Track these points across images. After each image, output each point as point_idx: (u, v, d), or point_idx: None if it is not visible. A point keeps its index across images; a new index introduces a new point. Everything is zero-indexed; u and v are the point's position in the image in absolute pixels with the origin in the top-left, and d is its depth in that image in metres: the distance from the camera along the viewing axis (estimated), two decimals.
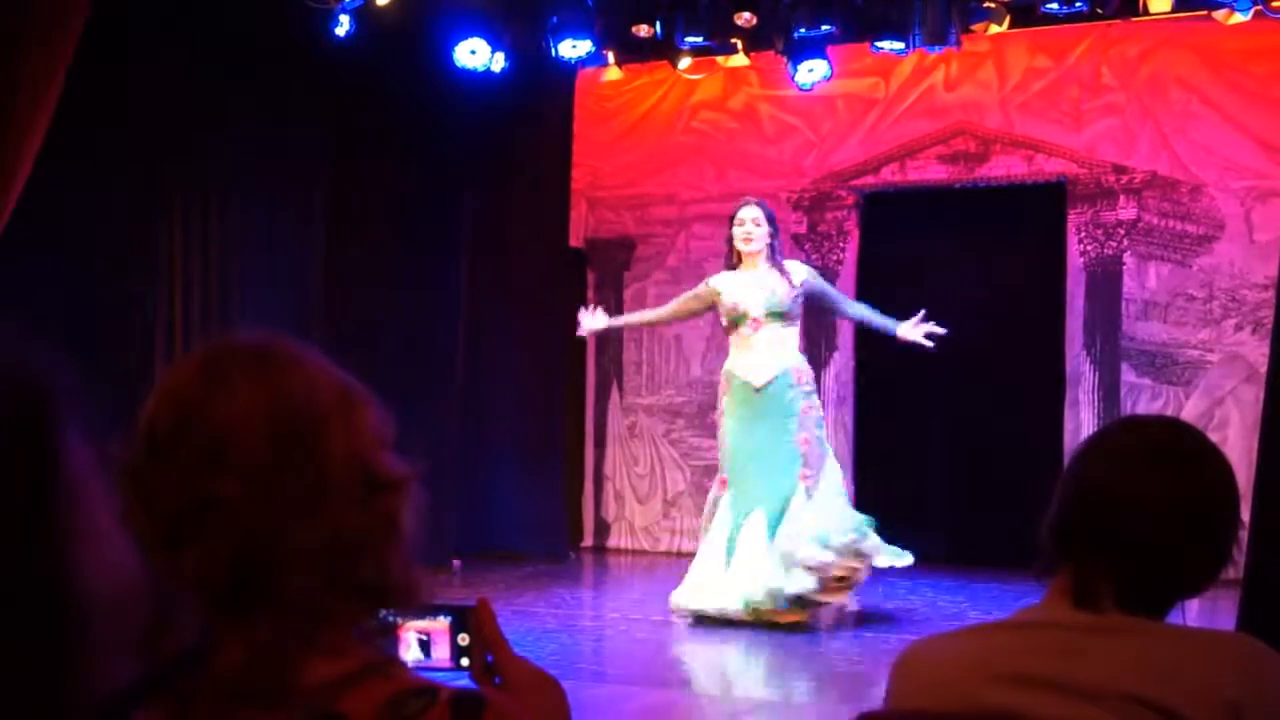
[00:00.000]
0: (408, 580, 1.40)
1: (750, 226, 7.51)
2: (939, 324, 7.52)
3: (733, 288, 7.54)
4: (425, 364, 9.08)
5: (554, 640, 6.91)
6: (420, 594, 1.44)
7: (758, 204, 7.66)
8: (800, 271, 7.61)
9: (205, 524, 1.31)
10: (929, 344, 7.51)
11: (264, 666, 1.31)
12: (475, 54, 8.71)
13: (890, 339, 7.65)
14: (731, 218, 7.65)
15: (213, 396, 1.34)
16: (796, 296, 7.51)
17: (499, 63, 8.87)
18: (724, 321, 7.63)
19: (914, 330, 7.53)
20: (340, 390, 1.40)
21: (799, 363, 7.55)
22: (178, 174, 8.11)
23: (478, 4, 8.66)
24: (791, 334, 7.57)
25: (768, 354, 7.48)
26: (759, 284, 7.49)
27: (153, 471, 1.33)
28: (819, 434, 7.50)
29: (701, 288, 7.75)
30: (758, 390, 7.46)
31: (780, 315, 7.47)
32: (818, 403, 7.61)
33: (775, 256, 7.56)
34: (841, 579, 7.16)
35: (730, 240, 7.61)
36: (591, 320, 8.01)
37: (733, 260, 7.62)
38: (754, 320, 7.47)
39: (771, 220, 7.61)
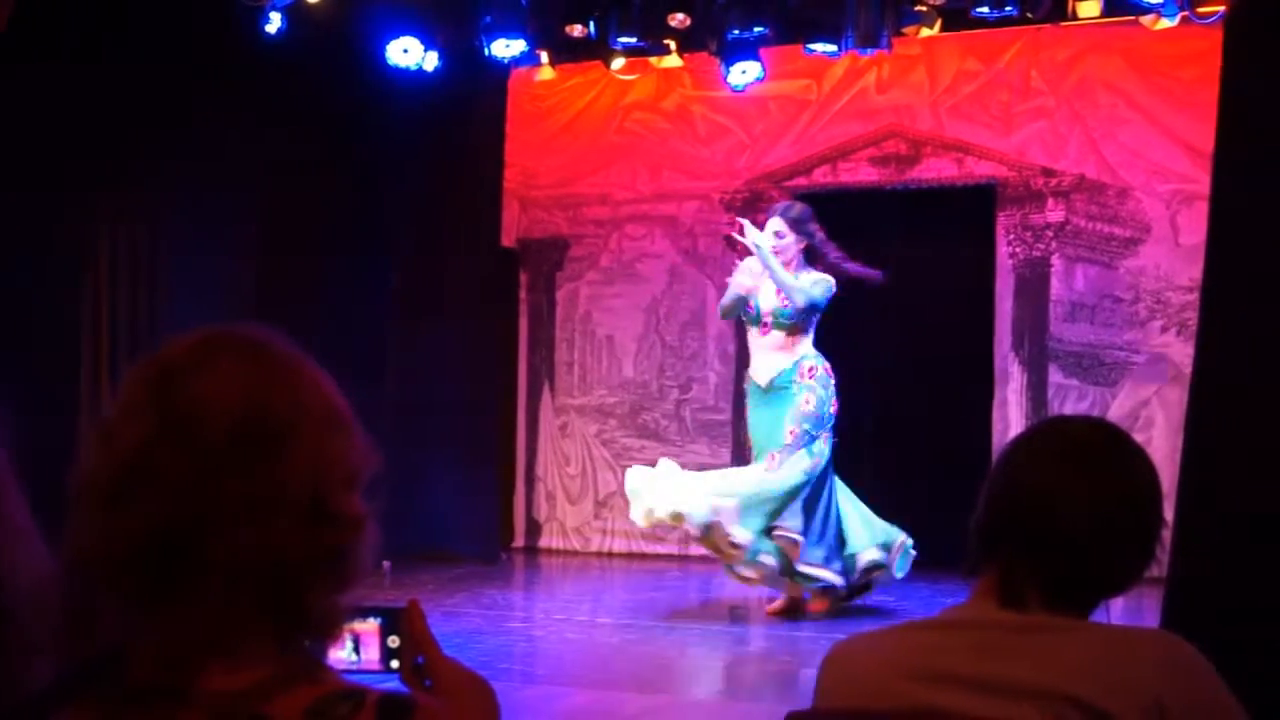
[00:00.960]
0: (331, 617, 1.39)
1: (775, 240, 7.67)
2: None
3: (755, 285, 7.72)
4: (356, 363, 8.99)
5: (484, 641, 6.89)
6: (340, 631, 1.43)
7: (781, 213, 7.81)
8: (819, 288, 7.65)
9: (146, 490, 1.30)
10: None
11: (171, 664, 1.30)
12: (408, 53, 8.67)
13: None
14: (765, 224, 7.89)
15: (195, 370, 1.35)
16: (800, 310, 7.62)
17: (431, 62, 8.83)
18: (743, 317, 7.86)
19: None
20: (324, 410, 1.39)
21: (808, 359, 7.70)
22: (103, 177, 8.02)
23: (410, 2, 8.62)
24: (799, 339, 7.71)
25: (776, 355, 7.71)
26: (767, 289, 7.70)
27: (121, 424, 1.33)
28: (806, 428, 7.60)
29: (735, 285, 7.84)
30: (763, 390, 7.70)
31: (785, 326, 7.68)
32: (824, 398, 7.66)
33: (804, 265, 7.72)
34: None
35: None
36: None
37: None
38: (764, 325, 7.72)
39: (798, 225, 7.71)
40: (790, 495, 7.44)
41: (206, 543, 1.30)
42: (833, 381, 7.72)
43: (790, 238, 7.65)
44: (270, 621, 1.33)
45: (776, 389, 7.63)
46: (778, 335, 7.66)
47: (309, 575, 1.35)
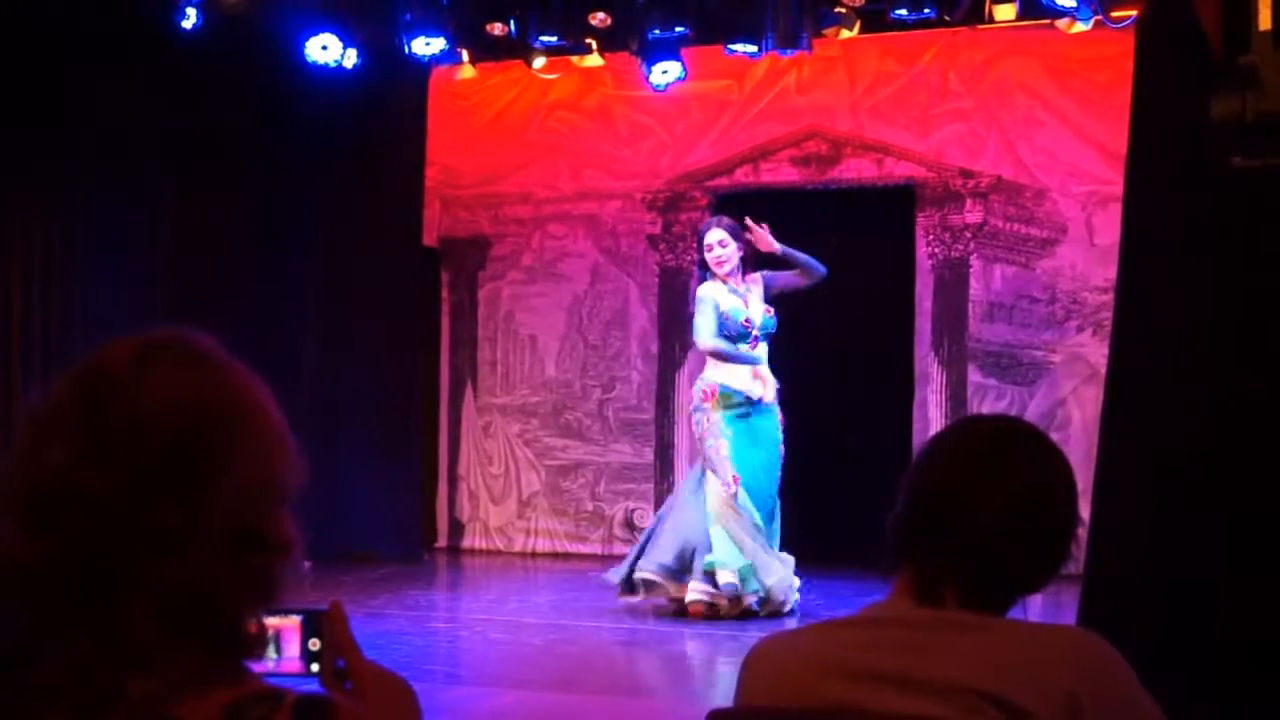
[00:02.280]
0: (256, 638, 1.37)
1: (719, 250, 7.65)
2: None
3: (733, 303, 7.65)
4: (274, 362, 8.89)
5: (407, 642, 6.85)
6: (264, 647, 1.42)
7: (718, 224, 7.79)
8: (760, 285, 7.74)
9: (71, 512, 1.26)
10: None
11: (83, 681, 1.27)
12: (327, 49, 8.61)
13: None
14: (699, 240, 7.80)
15: (131, 383, 1.30)
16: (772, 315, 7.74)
17: (351, 59, 8.78)
18: (723, 334, 7.67)
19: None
20: (263, 430, 1.35)
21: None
22: (17, 171, 7.90)
23: None
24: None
25: (766, 370, 7.69)
26: (751, 302, 7.67)
27: (49, 437, 1.29)
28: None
29: (710, 301, 7.66)
30: (756, 405, 7.62)
31: (770, 336, 7.72)
32: None
33: (748, 272, 7.74)
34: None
35: (703, 263, 7.74)
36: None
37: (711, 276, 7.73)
38: (754, 339, 7.65)
39: (737, 234, 7.71)
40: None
41: (130, 565, 1.27)
42: None
43: (732, 246, 7.67)
44: (193, 638, 1.31)
45: (769, 404, 7.67)
46: (764, 347, 7.70)
47: (235, 598, 1.33)
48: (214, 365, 1.36)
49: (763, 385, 7.64)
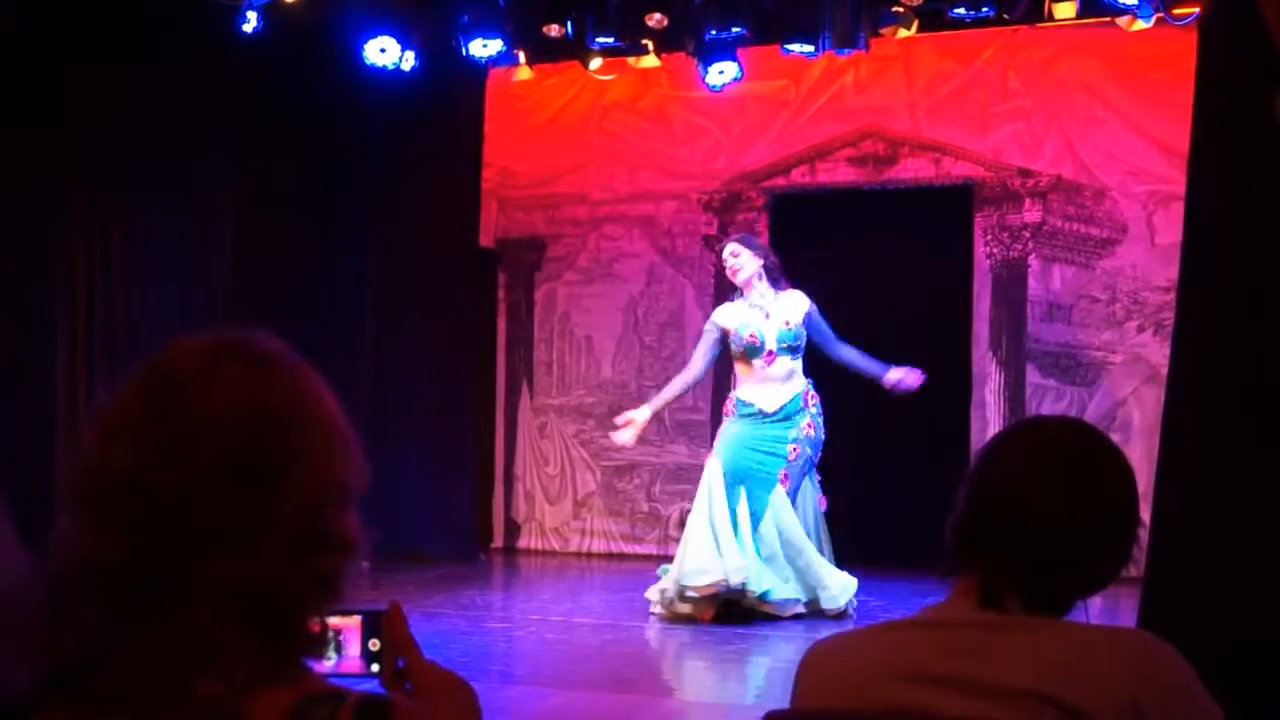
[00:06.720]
0: (318, 638, 1.38)
1: (731, 261, 7.65)
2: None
3: (745, 319, 7.63)
4: (332, 362, 8.95)
5: (464, 642, 6.87)
6: (324, 650, 1.43)
7: (736, 239, 7.82)
8: (803, 304, 7.68)
9: (138, 510, 1.28)
10: (913, 387, 7.79)
11: (154, 678, 1.28)
12: (385, 52, 8.66)
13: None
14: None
15: (199, 383, 1.31)
16: (801, 329, 7.65)
17: (409, 61, 8.82)
18: (735, 351, 7.69)
19: (903, 375, 7.76)
20: (329, 431, 1.36)
21: (808, 386, 7.72)
22: (79, 174, 7.99)
23: (387, 2, 8.61)
24: (800, 364, 7.72)
25: (782, 384, 7.65)
26: (772, 316, 7.62)
27: (118, 436, 1.30)
28: (809, 453, 7.66)
29: (711, 329, 7.76)
30: (768, 415, 7.61)
31: (792, 349, 7.63)
32: (820, 424, 7.71)
33: (778, 284, 7.71)
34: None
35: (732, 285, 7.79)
36: (629, 431, 7.96)
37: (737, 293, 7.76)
38: (769, 353, 7.59)
39: (756, 247, 7.75)
40: None
41: (197, 564, 1.28)
42: None
43: (745, 254, 7.64)
44: (258, 637, 1.32)
45: (781, 414, 7.66)
46: (785, 360, 7.63)
47: (299, 597, 1.33)
48: (281, 367, 1.37)
49: (772, 396, 7.60)
